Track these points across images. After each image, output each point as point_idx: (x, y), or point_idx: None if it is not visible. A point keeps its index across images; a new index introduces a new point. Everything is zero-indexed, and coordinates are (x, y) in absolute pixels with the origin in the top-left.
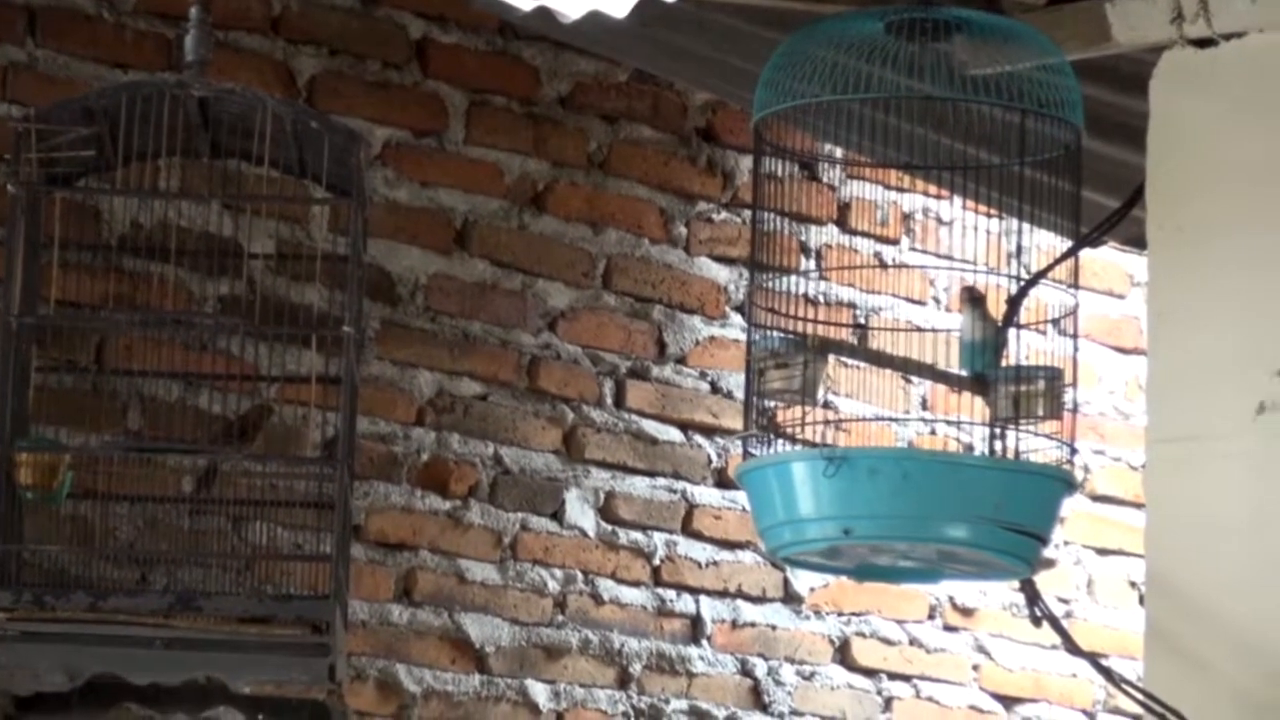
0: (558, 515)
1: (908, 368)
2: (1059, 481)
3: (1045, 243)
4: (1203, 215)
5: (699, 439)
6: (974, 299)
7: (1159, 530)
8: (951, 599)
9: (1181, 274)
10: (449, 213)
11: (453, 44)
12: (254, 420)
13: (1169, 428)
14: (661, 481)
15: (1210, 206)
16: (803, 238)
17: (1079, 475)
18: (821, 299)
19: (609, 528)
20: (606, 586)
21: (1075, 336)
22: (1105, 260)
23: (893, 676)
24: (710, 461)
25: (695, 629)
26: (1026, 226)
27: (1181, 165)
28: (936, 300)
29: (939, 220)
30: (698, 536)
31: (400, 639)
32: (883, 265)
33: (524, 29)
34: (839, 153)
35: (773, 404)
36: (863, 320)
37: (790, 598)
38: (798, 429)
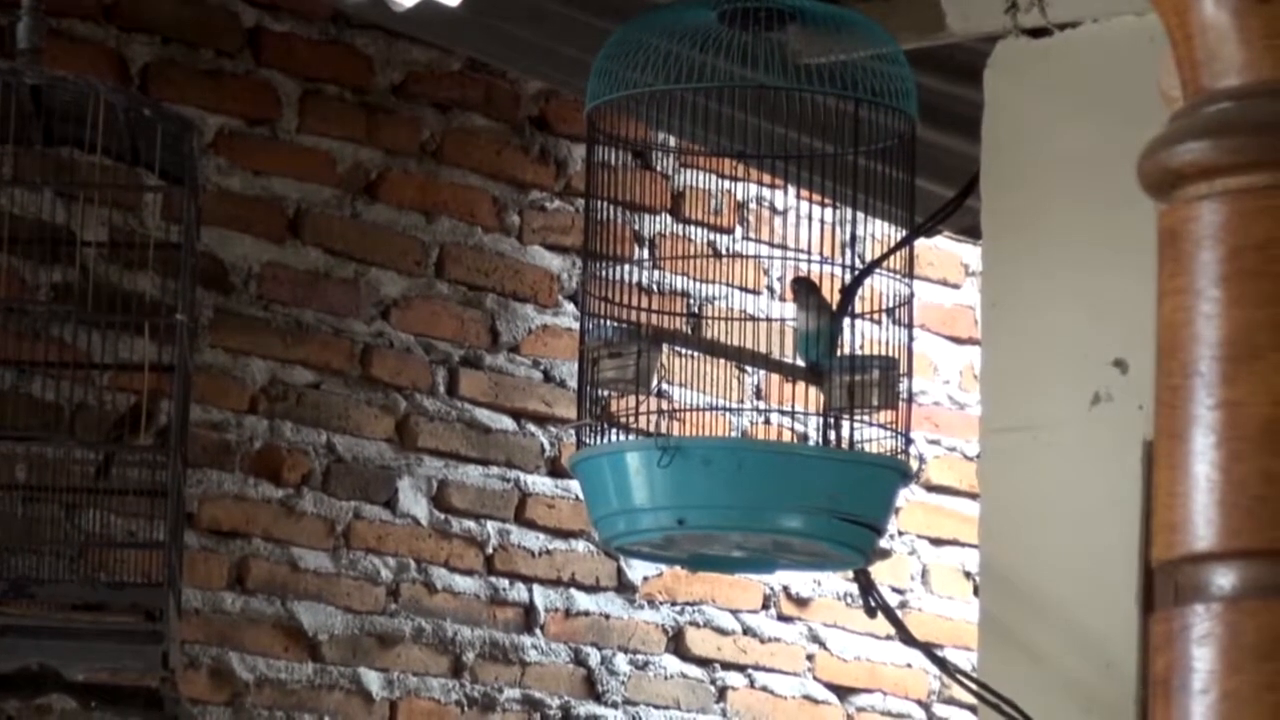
0: (390, 504)
1: (742, 357)
2: (894, 471)
3: (880, 232)
4: (1037, 205)
5: (532, 428)
6: (807, 288)
7: (993, 520)
8: (786, 589)
9: (1015, 264)
10: (282, 201)
11: (285, 32)
12: (148, 412)
13: (1003, 417)
14: (494, 470)
15: (1044, 196)
16: (636, 227)
17: (914, 465)
18: (655, 288)
19: (442, 516)
20: (439, 575)
21: (910, 326)
22: (940, 250)
23: (726, 666)
24: (543, 450)
25: (529, 618)
26: (861, 216)
27: (1015, 155)
28: (771, 290)
29: (773, 209)
30: (531, 525)
31: (233, 627)
32: (717, 254)
33: (357, 17)
34: (672, 142)
35: (606, 393)
36: (697, 309)
37: (624, 587)
38: (631, 418)
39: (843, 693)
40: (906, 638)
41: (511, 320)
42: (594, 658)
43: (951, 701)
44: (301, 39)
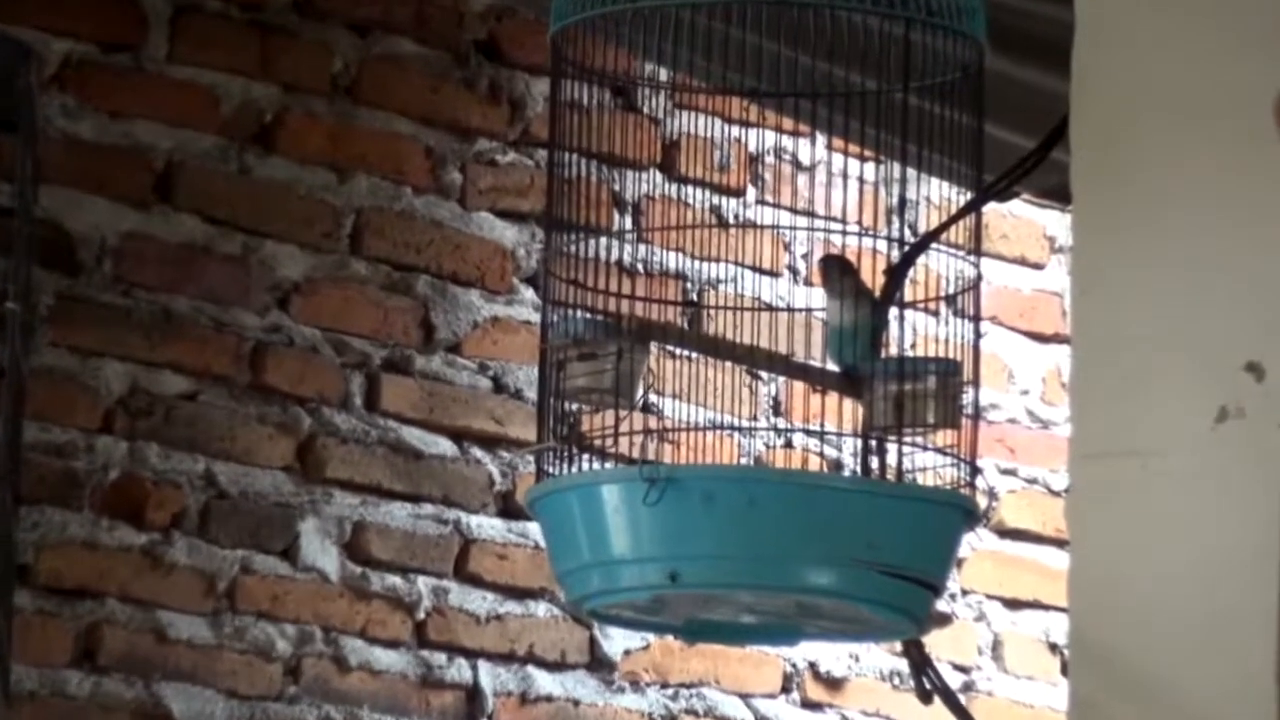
0: (289, 553)
1: (755, 360)
2: (955, 510)
3: (938, 195)
4: (1146, 159)
5: (477, 453)
6: (841, 269)
7: (1087, 575)
8: (813, 666)
9: (1117, 237)
10: (147, 153)
11: None
12: None
13: (1101, 440)
14: (428, 509)
15: (1156, 148)
16: (616, 187)
17: (982, 502)
18: (641, 268)
19: (357, 570)
20: (354, 648)
21: (977, 319)
22: (1017, 218)
23: None
24: (492, 483)
25: (473, 704)
26: (912, 173)
27: (1118, 93)
28: (793, 271)
29: (796, 165)
30: (475, 582)
31: (80, 716)
32: (722, 224)
33: None
34: (664, 75)
35: (576, 407)
36: (695, 297)
37: (598, 664)
38: (609, 440)
39: None
40: None
41: (451, 310)
42: None
43: None
44: None
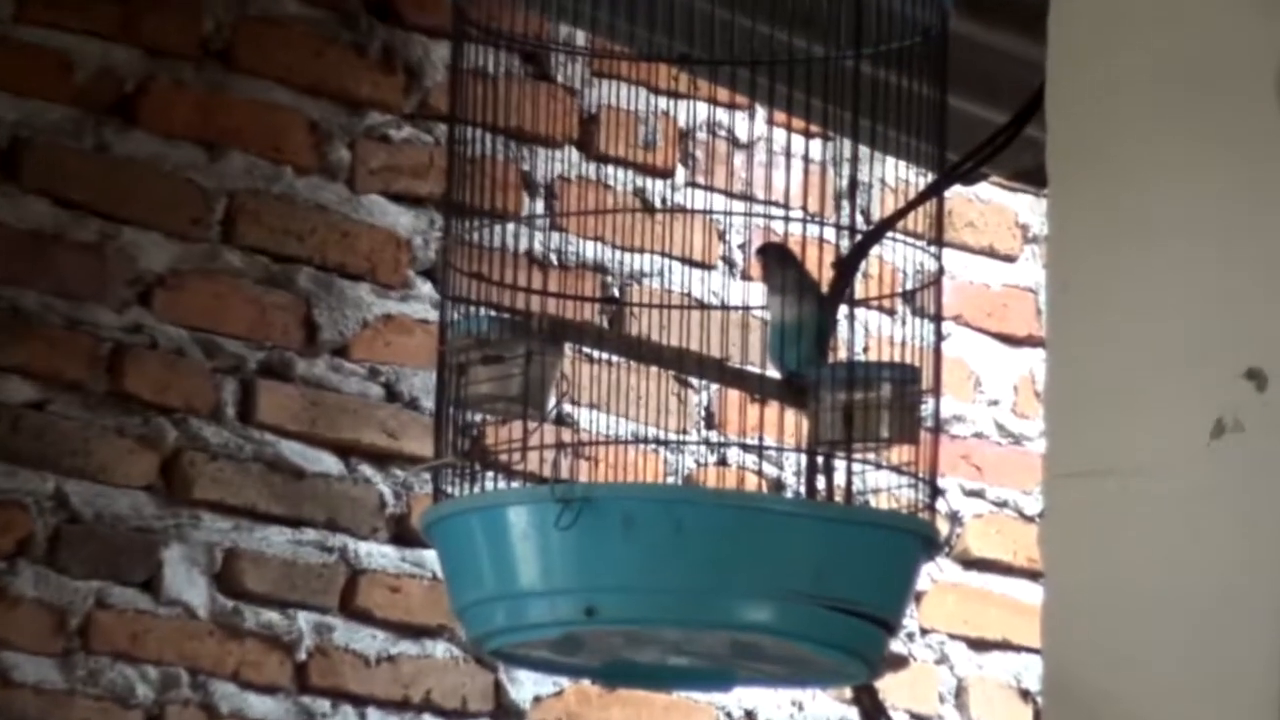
0: (151, 585)
1: (685, 364)
2: (912, 538)
3: (893, 177)
4: (1133, 135)
5: (367, 470)
6: (783, 260)
7: (1062, 611)
8: (750, 715)
9: (1100, 224)
10: None
11: None
12: None
13: (1080, 456)
14: (310, 535)
15: (1144, 123)
16: (526, 167)
17: (943, 528)
18: (555, 259)
19: (229, 604)
20: (226, 693)
21: (939, 318)
22: (985, 204)
23: None
24: (384, 505)
25: None
26: (865, 152)
27: (1102, 59)
28: (729, 263)
29: (734, 141)
30: (364, 618)
31: None
32: (648, 209)
33: None
34: (581, 39)
35: (480, 417)
36: (617, 292)
37: (505, 711)
38: (516, 456)
39: None
40: None
41: (337, 308)
42: None
43: None
44: None
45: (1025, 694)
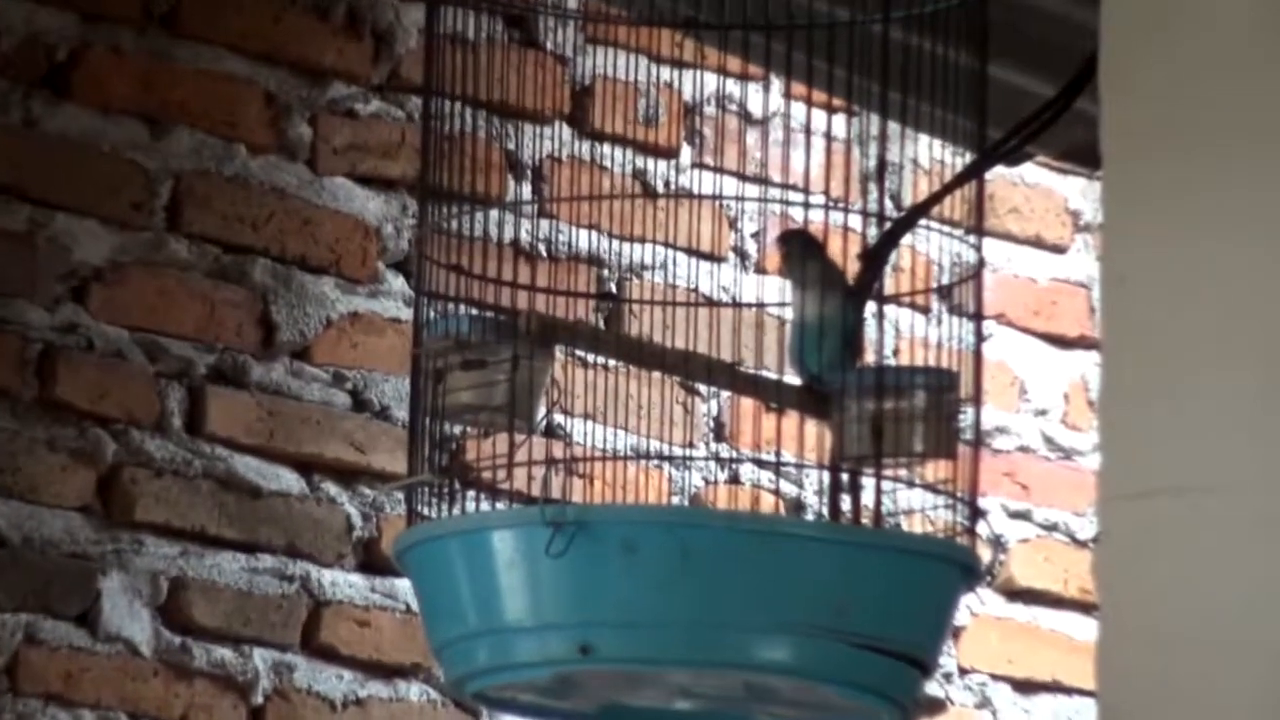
0: (88, 618)
1: (691, 368)
2: (949, 565)
3: (927, 157)
4: (1201, 109)
5: (331, 489)
6: (806, 249)
7: (1120, 648)
8: None
9: (1162, 209)
10: None
11: None
12: None
13: (1140, 473)
14: (267, 561)
15: (1216, 95)
16: (512, 145)
17: (985, 555)
18: (544, 250)
19: (176, 640)
20: None
21: (979, 317)
22: (1031, 188)
23: None
24: (351, 528)
25: None
26: (895, 129)
27: (1164, 21)
28: (741, 254)
29: (746, 117)
30: (329, 656)
31: None
32: (648, 193)
33: None
34: (573, 1)
35: (459, 429)
36: (614, 287)
37: None
38: (501, 473)
39: None
40: None
41: (297, 305)
42: None
43: None
44: None
45: None
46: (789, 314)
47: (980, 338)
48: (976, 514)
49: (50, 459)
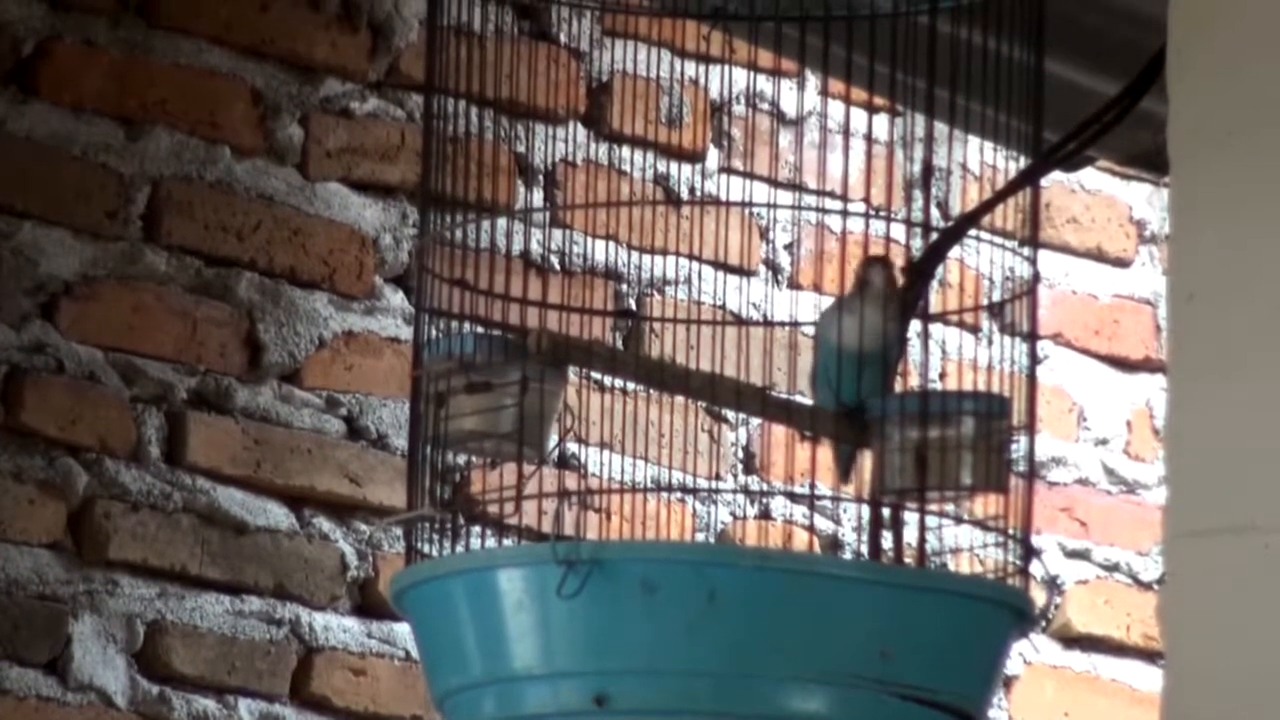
0: (58, 666)
1: (717, 394)
2: (1000, 608)
3: (977, 161)
4: (1276, 107)
5: (324, 524)
6: (888, 285)
7: (1188, 700)
8: None
9: (1235, 219)
10: None
11: None
12: None
13: (1209, 510)
14: (254, 604)
15: None
16: (522, 148)
17: (1039, 597)
18: (556, 263)
19: (154, 689)
20: None
21: (1034, 337)
22: (1091, 195)
23: None
24: (345, 567)
25: None
26: (942, 130)
27: (1234, 16)
28: (773, 268)
29: (779, 117)
30: (321, 707)
31: None
32: (672, 200)
33: None
34: None
35: (463, 459)
36: (633, 303)
37: None
38: (509, 506)
39: None
40: None
41: (287, 323)
42: None
43: None
44: None
45: None
46: (820, 332)
47: (1035, 360)
48: (1030, 553)
49: (16, 491)
